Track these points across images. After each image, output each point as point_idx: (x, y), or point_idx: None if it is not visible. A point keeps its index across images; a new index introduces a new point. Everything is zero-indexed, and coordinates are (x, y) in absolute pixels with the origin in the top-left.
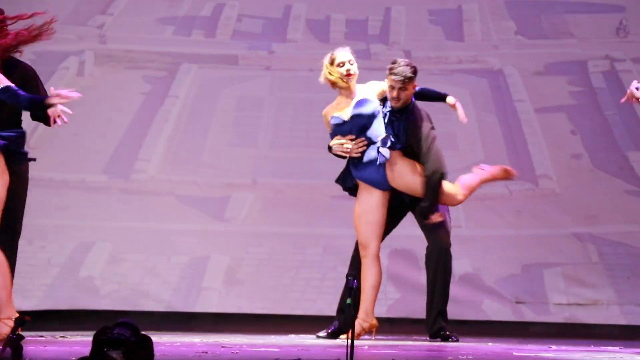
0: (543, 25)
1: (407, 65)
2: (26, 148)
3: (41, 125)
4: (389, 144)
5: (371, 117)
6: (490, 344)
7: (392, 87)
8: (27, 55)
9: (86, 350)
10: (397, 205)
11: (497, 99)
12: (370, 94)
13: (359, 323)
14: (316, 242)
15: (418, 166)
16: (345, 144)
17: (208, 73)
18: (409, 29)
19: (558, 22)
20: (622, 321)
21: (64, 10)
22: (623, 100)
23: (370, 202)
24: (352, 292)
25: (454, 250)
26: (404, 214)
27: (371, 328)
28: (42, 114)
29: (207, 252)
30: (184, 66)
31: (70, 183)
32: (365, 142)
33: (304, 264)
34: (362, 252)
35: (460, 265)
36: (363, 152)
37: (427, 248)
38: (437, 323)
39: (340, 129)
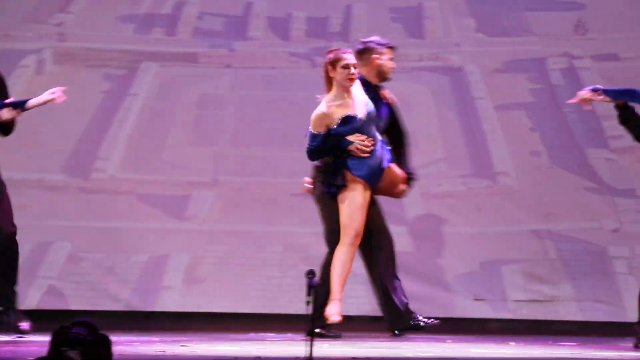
0: (503, 23)
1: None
2: None
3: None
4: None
5: (378, 117)
6: (449, 341)
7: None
8: None
9: (44, 350)
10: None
11: (457, 97)
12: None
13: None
14: (277, 240)
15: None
16: (365, 141)
17: (169, 71)
18: (370, 26)
19: (518, 19)
20: (580, 317)
21: (23, 8)
22: (571, 101)
23: (366, 197)
24: (311, 290)
25: (415, 246)
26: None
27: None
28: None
29: (167, 251)
30: (145, 64)
31: (28, 182)
32: (374, 141)
33: (264, 262)
34: (354, 241)
35: (419, 262)
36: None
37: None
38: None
39: (356, 127)
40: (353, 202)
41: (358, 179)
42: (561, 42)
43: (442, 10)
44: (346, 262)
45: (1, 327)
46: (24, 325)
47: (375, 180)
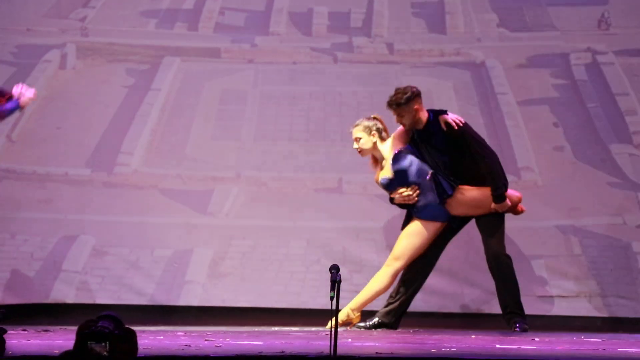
0: (525, 18)
1: (397, 93)
2: (9, 141)
3: (24, 118)
4: (442, 179)
5: (411, 164)
6: (473, 336)
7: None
8: (8, 48)
9: (70, 344)
10: (445, 234)
11: (479, 92)
12: (398, 143)
13: (348, 313)
14: (300, 235)
15: (466, 187)
16: (404, 193)
17: (191, 66)
18: (392, 21)
19: (540, 14)
20: (605, 313)
21: (46, 3)
22: None
23: (422, 231)
24: (334, 285)
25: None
26: (450, 239)
27: (353, 321)
28: None
29: (190, 246)
30: (167, 59)
31: (53, 176)
32: (417, 189)
33: (287, 257)
34: (389, 262)
35: (444, 258)
36: (418, 196)
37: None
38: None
39: (391, 186)
40: (408, 229)
41: (425, 221)
42: (584, 37)
43: (463, 5)
44: (379, 280)
45: None
46: None
47: (439, 216)
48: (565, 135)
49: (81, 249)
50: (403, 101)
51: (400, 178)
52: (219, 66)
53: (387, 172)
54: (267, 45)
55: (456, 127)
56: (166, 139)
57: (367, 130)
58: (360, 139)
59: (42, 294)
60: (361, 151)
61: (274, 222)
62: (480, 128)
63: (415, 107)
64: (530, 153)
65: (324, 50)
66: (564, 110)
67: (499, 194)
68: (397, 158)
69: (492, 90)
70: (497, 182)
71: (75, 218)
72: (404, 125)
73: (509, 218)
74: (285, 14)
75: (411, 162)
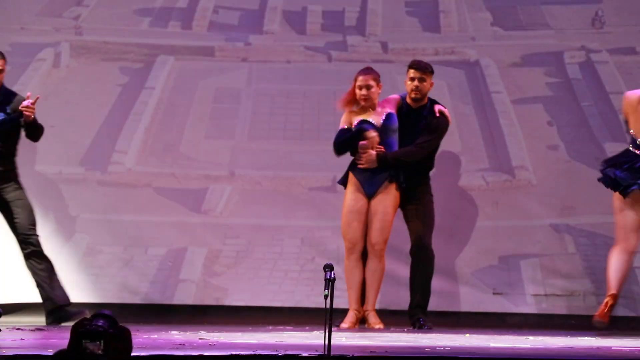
0: (519, 16)
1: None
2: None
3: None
4: None
5: (395, 131)
6: (467, 335)
7: (411, 79)
8: (2, 47)
9: (64, 343)
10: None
11: (474, 91)
12: (391, 106)
13: (355, 313)
14: (294, 234)
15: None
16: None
17: (185, 65)
18: (386, 20)
19: (534, 13)
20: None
21: (40, 1)
22: None
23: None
24: (328, 283)
25: (434, 240)
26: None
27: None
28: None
29: (184, 244)
30: (161, 58)
31: (47, 175)
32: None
33: (281, 255)
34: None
35: (438, 256)
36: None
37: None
38: (415, 315)
39: (365, 131)
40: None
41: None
42: (578, 35)
43: (457, 3)
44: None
45: None
46: None
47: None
48: (559, 134)
49: (75, 247)
50: (431, 69)
51: (383, 133)
52: (213, 65)
53: (372, 119)
54: (261, 44)
55: (445, 119)
56: (160, 138)
57: (376, 80)
58: (371, 86)
59: (36, 292)
60: (367, 99)
61: (268, 221)
62: (474, 127)
63: (432, 82)
64: (525, 152)
65: (318, 48)
66: (558, 108)
67: (384, 161)
68: (391, 117)
69: (487, 89)
70: (401, 161)
71: (69, 216)
72: (416, 92)
73: (502, 217)
74: (279, 13)
75: (396, 131)
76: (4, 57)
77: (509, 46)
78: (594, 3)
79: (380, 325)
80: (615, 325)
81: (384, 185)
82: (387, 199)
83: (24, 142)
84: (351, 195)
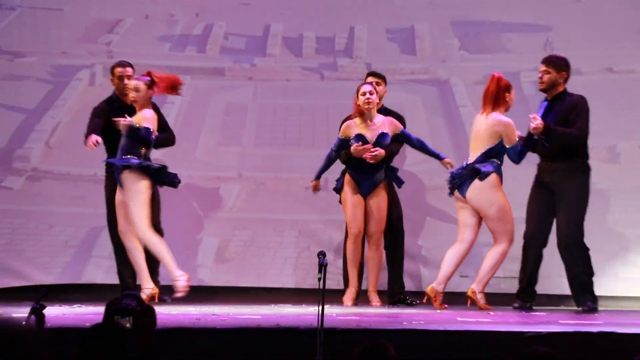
0: (483, 42)
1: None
2: (47, 147)
3: (61, 125)
4: None
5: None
6: (439, 310)
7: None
8: (46, 68)
9: (99, 318)
10: None
11: (444, 105)
12: (389, 130)
13: (354, 290)
14: (292, 226)
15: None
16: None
17: (200, 83)
18: (370, 45)
19: (495, 39)
20: (549, 291)
21: (78, 30)
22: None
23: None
24: (322, 268)
25: (408, 231)
26: None
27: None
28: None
29: (200, 235)
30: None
31: (84, 177)
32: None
33: (282, 244)
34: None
35: (413, 245)
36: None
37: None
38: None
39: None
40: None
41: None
42: (532, 58)
43: (431, 31)
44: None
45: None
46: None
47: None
48: None
49: (108, 238)
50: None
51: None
52: (224, 83)
53: (367, 134)
54: (264, 65)
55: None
56: (179, 145)
57: (378, 83)
58: (372, 92)
59: (75, 275)
60: (369, 102)
61: (270, 215)
62: (444, 136)
63: (385, 90)
64: None
65: (313, 69)
66: (516, 120)
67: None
68: (384, 137)
69: (455, 103)
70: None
71: (103, 212)
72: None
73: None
74: (280, 39)
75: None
76: (130, 65)
77: (474, 67)
78: (546, 31)
79: (379, 303)
80: (564, 303)
81: (379, 187)
82: (381, 196)
83: (63, 148)
84: (352, 195)
